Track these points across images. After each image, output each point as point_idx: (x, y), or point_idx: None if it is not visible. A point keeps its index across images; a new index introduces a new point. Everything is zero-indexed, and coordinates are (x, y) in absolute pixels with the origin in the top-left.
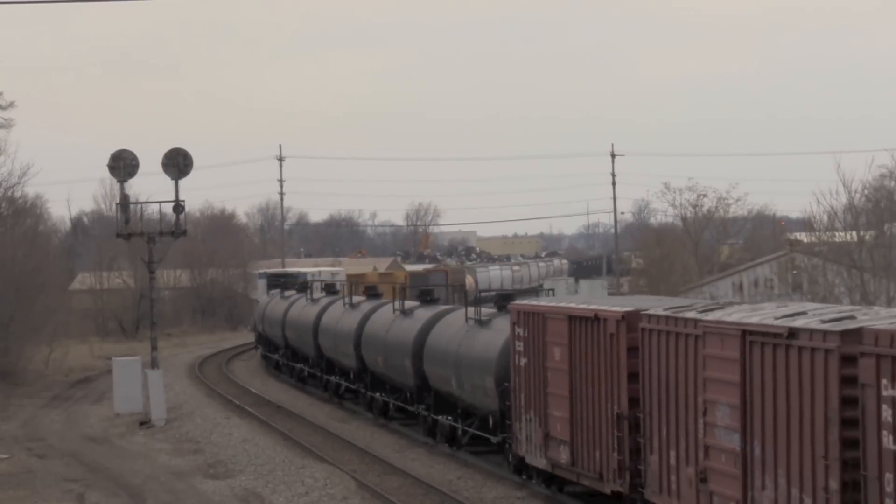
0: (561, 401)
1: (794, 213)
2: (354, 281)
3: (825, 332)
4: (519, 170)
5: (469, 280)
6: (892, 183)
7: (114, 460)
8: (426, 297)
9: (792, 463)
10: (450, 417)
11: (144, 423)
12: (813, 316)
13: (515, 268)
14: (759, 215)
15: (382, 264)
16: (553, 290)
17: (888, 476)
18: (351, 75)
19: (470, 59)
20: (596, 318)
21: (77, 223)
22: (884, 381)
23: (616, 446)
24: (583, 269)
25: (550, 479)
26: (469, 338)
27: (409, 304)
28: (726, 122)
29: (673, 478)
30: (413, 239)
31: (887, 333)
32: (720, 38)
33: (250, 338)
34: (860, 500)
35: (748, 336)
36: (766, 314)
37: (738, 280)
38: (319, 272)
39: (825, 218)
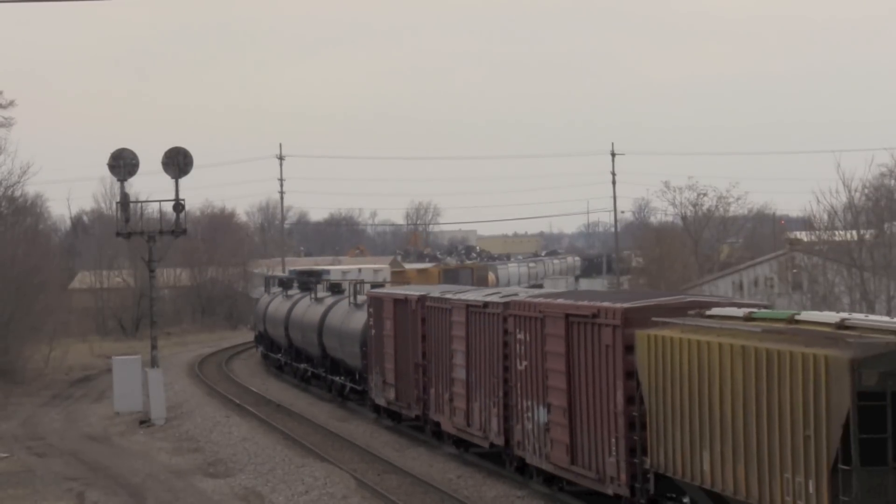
0: (390, 357)
1: (795, 212)
2: (398, 281)
3: (497, 303)
4: (519, 169)
5: (491, 276)
6: (892, 182)
7: (113, 459)
8: (335, 289)
9: (486, 384)
10: (339, 377)
11: (144, 421)
12: (500, 295)
13: (531, 264)
14: (759, 214)
15: (382, 263)
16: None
17: (518, 385)
18: (351, 75)
19: (470, 58)
20: (406, 300)
21: (77, 222)
22: (517, 330)
23: (416, 385)
24: (593, 266)
25: (392, 414)
26: (348, 317)
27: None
28: (726, 121)
29: (440, 402)
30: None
31: (517, 303)
32: (721, 38)
33: (250, 336)
34: (509, 402)
35: (469, 308)
36: (479, 295)
37: (738, 279)
38: (360, 270)
39: (825, 217)
